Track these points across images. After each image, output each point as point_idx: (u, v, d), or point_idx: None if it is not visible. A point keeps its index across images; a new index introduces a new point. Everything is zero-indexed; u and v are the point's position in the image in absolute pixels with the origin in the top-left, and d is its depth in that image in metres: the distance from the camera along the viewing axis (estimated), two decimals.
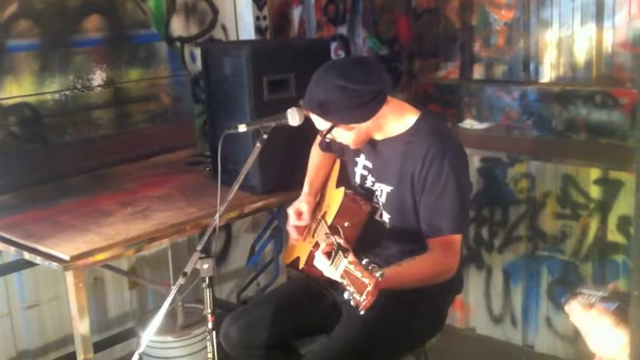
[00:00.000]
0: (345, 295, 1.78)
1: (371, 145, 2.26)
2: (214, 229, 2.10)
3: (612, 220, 2.95)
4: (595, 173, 2.97)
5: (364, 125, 2.14)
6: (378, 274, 1.73)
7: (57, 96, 3.07)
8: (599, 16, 2.81)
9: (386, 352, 2.21)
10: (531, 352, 3.30)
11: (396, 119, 2.18)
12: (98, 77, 3.20)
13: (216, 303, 2.81)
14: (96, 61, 3.18)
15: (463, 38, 3.24)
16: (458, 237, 2.13)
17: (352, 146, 2.23)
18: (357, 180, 2.34)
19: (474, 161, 3.30)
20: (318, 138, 2.51)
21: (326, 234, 2.10)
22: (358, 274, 1.74)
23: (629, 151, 2.81)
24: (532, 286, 3.24)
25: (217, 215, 2.10)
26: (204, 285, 2.12)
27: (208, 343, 2.15)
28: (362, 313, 1.76)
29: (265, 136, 2.11)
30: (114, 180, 3.15)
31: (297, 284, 2.49)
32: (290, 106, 2.19)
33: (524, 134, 3.12)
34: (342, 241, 1.87)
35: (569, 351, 3.15)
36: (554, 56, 2.99)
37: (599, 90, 2.87)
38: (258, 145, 2.11)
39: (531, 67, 3.07)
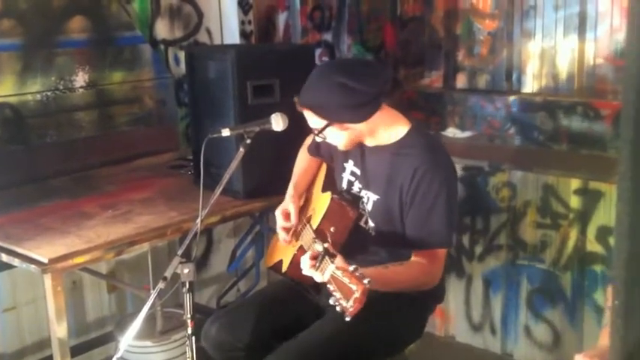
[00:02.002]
0: (331, 301, 1.76)
1: (360, 152, 2.26)
2: (195, 234, 2.09)
3: (592, 231, 2.97)
4: (575, 183, 2.99)
5: (359, 127, 2.13)
6: (366, 281, 1.72)
7: (39, 97, 3.05)
8: (581, 28, 2.84)
9: (364, 352, 2.21)
10: (510, 359, 3.31)
11: (388, 127, 2.18)
12: (81, 79, 3.18)
13: (196, 308, 2.79)
14: (79, 62, 3.16)
15: (447, 47, 3.25)
16: (442, 251, 2.15)
17: (342, 148, 2.22)
18: (344, 185, 2.34)
19: (456, 169, 3.30)
20: (307, 142, 2.52)
21: (313, 238, 2.10)
22: (346, 280, 1.73)
23: (610, 161, 2.84)
24: (512, 294, 3.26)
25: (199, 220, 2.09)
26: (184, 290, 2.11)
27: (187, 349, 2.14)
28: (348, 319, 1.75)
29: (249, 141, 2.11)
30: (96, 182, 3.13)
31: (278, 287, 2.49)
32: (274, 112, 2.21)
33: (507, 143, 3.14)
34: (329, 246, 1.87)
35: (546, 359, 3.16)
36: (536, 67, 3.01)
37: (581, 101, 2.89)
38: (241, 149, 2.11)
39: (514, 77, 3.09)
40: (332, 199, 2.21)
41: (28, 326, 3.10)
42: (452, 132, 3.30)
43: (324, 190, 2.39)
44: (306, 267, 1.92)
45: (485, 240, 3.31)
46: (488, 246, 3.31)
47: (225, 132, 2.12)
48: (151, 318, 2.90)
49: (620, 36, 2.74)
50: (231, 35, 3.66)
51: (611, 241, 2.84)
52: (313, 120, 2.15)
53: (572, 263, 3.05)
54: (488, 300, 3.35)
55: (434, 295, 2.34)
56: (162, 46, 3.50)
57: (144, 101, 3.45)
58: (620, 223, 0.83)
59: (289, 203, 2.38)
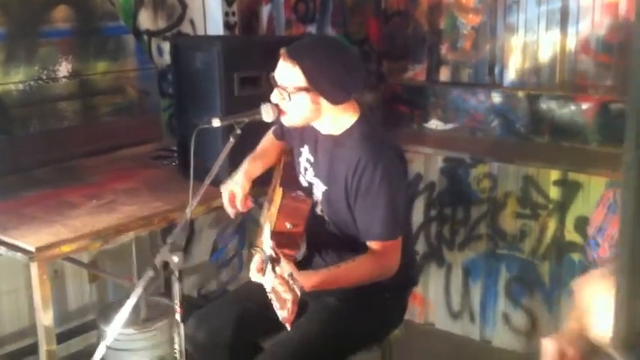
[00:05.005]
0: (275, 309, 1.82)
1: (314, 139, 2.25)
2: (186, 223, 2.10)
3: (570, 221, 3.04)
4: (555, 175, 3.05)
5: (325, 108, 2.11)
6: (297, 289, 1.76)
7: (22, 86, 3.03)
8: (563, 23, 2.90)
9: (347, 343, 2.23)
10: (489, 346, 3.37)
11: (339, 117, 2.16)
12: (64, 68, 3.16)
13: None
14: (62, 52, 3.14)
15: (431, 41, 3.29)
16: (393, 242, 2.13)
17: (294, 120, 2.15)
18: (301, 171, 2.33)
19: (438, 161, 3.36)
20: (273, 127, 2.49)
21: (254, 248, 2.11)
22: (281, 288, 1.78)
23: (591, 153, 2.91)
24: (491, 283, 3.31)
25: (189, 209, 2.11)
26: (173, 278, 2.13)
27: (175, 335, 2.16)
28: (289, 328, 1.82)
29: (239, 131, 2.10)
30: (79, 172, 3.11)
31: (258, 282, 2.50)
32: (260, 103, 2.16)
33: (488, 136, 3.19)
34: (272, 252, 1.88)
35: (525, 345, 3.23)
36: (519, 61, 3.06)
37: (562, 94, 2.95)
38: (231, 139, 2.11)
39: (497, 70, 3.14)
40: (284, 194, 2.17)
41: (8, 316, 3.08)
42: (435, 124, 3.34)
43: (281, 184, 2.34)
44: (253, 273, 1.97)
45: (465, 230, 3.36)
46: (468, 236, 3.37)
47: (216, 122, 2.11)
48: (134, 306, 2.91)
49: (601, 31, 2.80)
50: (215, 26, 3.66)
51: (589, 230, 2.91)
52: (293, 78, 2.07)
53: (550, 252, 3.12)
54: (467, 288, 3.40)
55: (410, 280, 2.40)
56: (145, 37, 3.48)
57: (127, 91, 3.44)
58: (625, 211, 0.86)
59: (238, 185, 2.33)
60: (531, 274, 3.19)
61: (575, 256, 3.05)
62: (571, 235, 3.04)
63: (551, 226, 3.10)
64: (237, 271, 3.64)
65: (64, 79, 3.16)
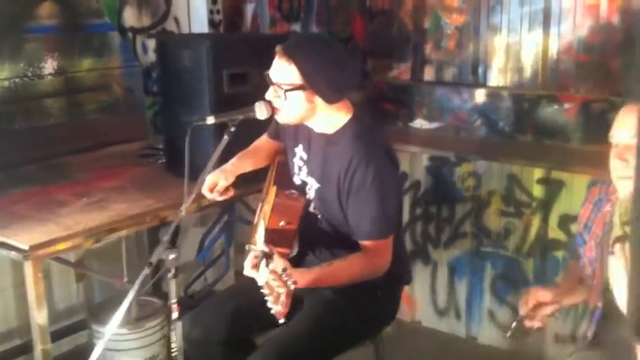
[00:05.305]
0: (268, 304, 1.84)
1: (308, 137, 2.27)
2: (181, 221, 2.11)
3: (553, 218, 3.10)
4: (538, 173, 3.11)
5: (320, 106, 2.12)
6: (290, 283, 1.79)
7: (7, 83, 3.00)
8: (546, 24, 2.95)
9: (341, 338, 2.26)
10: (474, 343, 3.42)
11: (333, 116, 2.18)
12: (49, 65, 3.14)
13: (164, 296, 2.81)
14: (48, 49, 3.12)
15: (415, 40, 3.33)
16: (384, 241, 2.16)
17: (289, 117, 2.16)
18: (295, 170, 2.34)
19: (423, 160, 3.40)
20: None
21: (248, 245, 2.14)
22: (275, 283, 1.80)
23: (573, 152, 2.97)
24: (476, 280, 3.37)
25: (184, 206, 2.11)
26: (169, 275, 2.13)
27: (172, 333, 2.16)
28: (282, 322, 1.86)
29: (233, 129, 2.11)
30: (65, 170, 3.10)
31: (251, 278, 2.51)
32: (248, 100, 2.16)
33: (473, 135, 3.24)
34: (266, 249, 1.91)
35: (510, 342, 3.27)
36: (502, 60, 3.11)
37: (545, 94, 3.01)
38: (225, 137, 2.11)
39: (480, 70, 3.19)
40: (277, 193, 2.19)
41: None
42: (419, 123, 3.38)
43: (275, 183, 2.36)
44: (247, 269, 1.99)
45: (450, 228, 3.41)
46: (453, 234, 3.41)
47: (211, 119, 2.12)
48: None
49: (583, 32, 2.86)
50: (200, 24, 3.66)
51: (573, 228, 2.97)
52: (289, 76, 2.08)
53: (534, 250, 3.18)
54: (453, 286, 3.45)
55: (402, 277, 2.43)
56: (130, 34, 3.47)
57: (112, 89, 3.43)
58: (638, 193, 0.91)
59: (222, 177, 2.32)
60: (516, 271, 3.25)
61: (559, 254, 3.11)
62: (554, 232, 3.11)
63: (535, 223, 3.16)
64: (224, 270, 3.65)
65: (49, 77, 3.14)
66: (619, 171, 1.71)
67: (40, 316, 2.31)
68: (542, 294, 1.95)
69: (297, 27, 3.64)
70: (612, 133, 1.72)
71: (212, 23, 3.67)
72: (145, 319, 2.94)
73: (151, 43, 3.52)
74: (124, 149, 3.42)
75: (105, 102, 3.40)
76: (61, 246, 2.32)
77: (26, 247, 2.24)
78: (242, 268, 2.51)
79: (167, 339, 3.06)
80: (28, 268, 2.25)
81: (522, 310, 1.97)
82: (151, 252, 2.55)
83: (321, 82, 2.09)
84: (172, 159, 3.04)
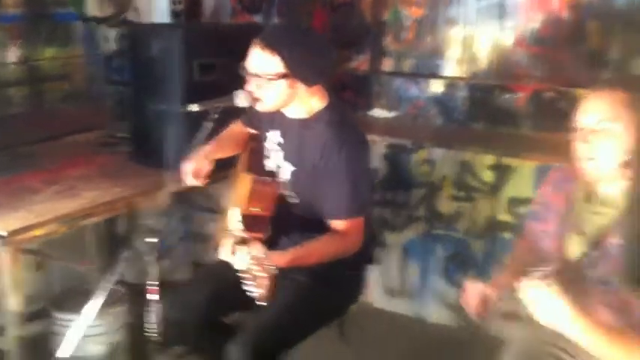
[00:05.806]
0: (247, 288, 1.92)
1: (282, 122, 2.34)
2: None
3: (503, 202, 3.27)
4: (489, 159, 3.27)
5: (301, 91, 2.20)
6: (272, 268, 1.89)
7: None
8: (500, 17, 3.11)
9: (316, 318, 2.38)
10: (425, 322, 3.56)
11: (309, 100, 2.26)
12: (13, 54, 3.13)
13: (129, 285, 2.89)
14: (12, 37, 3.11)
15: (375, 32, 3.44)
16: (357, 220, 2.26)
17: (269, 105, 2.23)
18: (268, 155, 2.42)
19: (381, 147, 3.52)
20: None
21: (224, 230, 2.21)
22: (256, 268, 1.89)
23: (523, 139, 3.15)
24: (427, 262, 3.52)
25: (166, 192, 2.18)
26: (150, 260, 2.19)
27: (153, 314, 2.22)
28: (265, 304, 1.94)
29: (216, 116, 2.18)
30: (30, 159, 3.10)
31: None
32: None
33: (429, 123, 3.38)
34: (246, 233, 2.00)
35: (458, 320, 3.41)
36: (458, 52, 3.26)
37: (498, 84, 3.17)
38: (208, 124, 2.18)
39: (437, 61, 3.32)
40: (252, 179, 2.26)
41: None
42: (378, 112, 3.50)
43: (249, 169, 2.43)
44: (223, 253, 2.06)
45: (405, 212, 3.55)
46: (407, 218, 3.56)
47: (194, 107, 2.18)
48: (86, 293, 2.92)
49: (535, 25, 3.03)
50: (161, 14, 3.68)
51: (521, 210, 3.16)
52: (271, 66, 2.13)
53: (484, 232, 3.34)
54: (405, 268, 3.59)
55: (370, 257, 2.56)
56: (93, 23, 3.48)
57: (75, 78, 3.44)
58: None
59: (204, 163, 2.36)
60: (466, 252, 3.41)
61: (507, 235, 3.27)
62: (503, 215, 3.27)
63: (485, 207, 3.33)
64: (181, 260, 3.67)
65: (12, 65, 3.14)
66: (583, 152, 1.85)
67: (16, 302, 2.35)
68: (482, 288, 2.08)
69: (258, 18, 3.69)
70: (577, 118, 1.86)
71: (174, 13, 3.69)
72: (108, 306, 2.96)
73: (112, 33, 3.54)
74: (87, 137, 3.44)
75: (67, 91, 3.41)
76: (37, 232, 2.36)
77: (5, 234, 2.27)
78: (200, 258, 2.58)
79: (131, 325, 3.11)
80: (7, 255, 2.28)
81: (468, 310, 2.09)
82: (111, 241, 2.60)
83: (304, 68, 2.16)
84: (139, 148, 3.08)
